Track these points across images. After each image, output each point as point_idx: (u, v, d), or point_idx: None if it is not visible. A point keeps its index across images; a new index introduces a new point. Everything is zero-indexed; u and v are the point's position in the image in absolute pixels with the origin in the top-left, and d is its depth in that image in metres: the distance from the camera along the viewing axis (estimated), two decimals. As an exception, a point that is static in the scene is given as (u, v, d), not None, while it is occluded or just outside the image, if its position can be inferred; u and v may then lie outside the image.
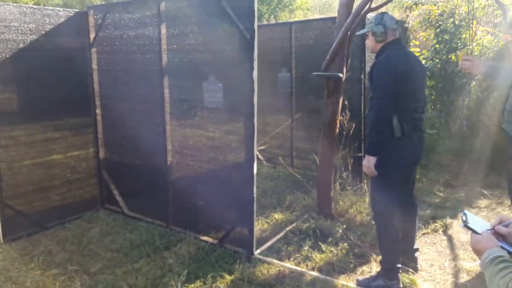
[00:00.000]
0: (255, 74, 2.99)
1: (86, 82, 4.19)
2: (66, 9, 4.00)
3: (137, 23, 3.78)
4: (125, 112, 4.06)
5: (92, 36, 4.10)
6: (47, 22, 3.79)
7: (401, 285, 2.88)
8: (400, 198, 2.95)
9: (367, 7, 3.51)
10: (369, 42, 3.03)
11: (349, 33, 3.61)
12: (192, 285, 2.95)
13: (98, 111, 4.27)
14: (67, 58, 3.98)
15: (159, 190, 3.91)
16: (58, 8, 3.92)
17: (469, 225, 1.51)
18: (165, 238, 3.64)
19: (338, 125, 3.98)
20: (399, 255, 2.96)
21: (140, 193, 4.14)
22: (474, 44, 5.65)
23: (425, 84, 3.02)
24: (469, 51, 2.74)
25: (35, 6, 3.79)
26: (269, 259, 3.28)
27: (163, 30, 3.57)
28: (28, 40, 3.66)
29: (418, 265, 3.20)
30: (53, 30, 3.83)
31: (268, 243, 3.56)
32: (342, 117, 4.11)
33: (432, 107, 6.64)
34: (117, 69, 4.02)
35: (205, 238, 3.60)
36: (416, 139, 2.89)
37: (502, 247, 1.40)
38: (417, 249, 3.22)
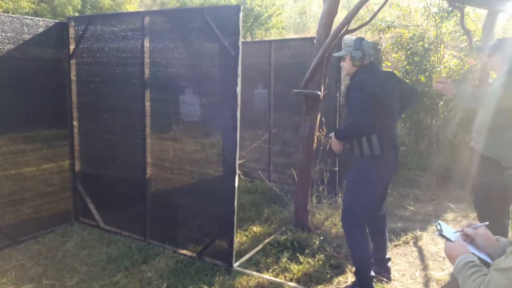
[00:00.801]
0: (238, 89, 3.07)
1: (64, 93, 4.14)
2: (46, 19, 3.97)
3: (119, 36, 3.79)
4: (104, 124, 4.05)
5: (72, 47, 4.08)
6: (25, 31, 3.74)
7: (376, 295, 2.98)
8: (373, 212, 3.11)
9: (344, 29, 3.68)
10: (346, 65, 3.15)
11: (327, 53, 3.77)
12: (172, 298, 2.95)
13: (75, 122, 4.22)
14: (45, 69, 3.94)
15: (137, 203, 3.88)
16: (37, 18, 3.88)
17: (443, 233, 1.64)
18: (143, 252, 3.61)
19: (316, 140, 4.10)
20: (371, 265, 3.05)
21: (117, 206, 4.10)
22: (442, 67, 5.95)
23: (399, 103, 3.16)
24: (442, 75, 3.02)
25: (14, 15, 3.74)
26: (248, 271, 3.32)
27: (146, 43, 3.61)
28: (5, 48, 3.60)
29: (391, 275, 3.32)
30: (31, 40, 3.78)
31: (247, 256, 3.60)
32: (319, 133, 4.24)
33: (402, 125, 6.91)
34: (97, 81, 4.01)
35: (184, 251, 3.60)
36: (393, 157, 3.03)
37: (473, 253, 1.54)
38: (389, 259, 3.34)
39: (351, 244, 3.07)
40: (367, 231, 3.09)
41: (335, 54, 3.41)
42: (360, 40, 3.07)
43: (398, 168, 3.20)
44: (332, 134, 3.14)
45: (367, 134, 2.91)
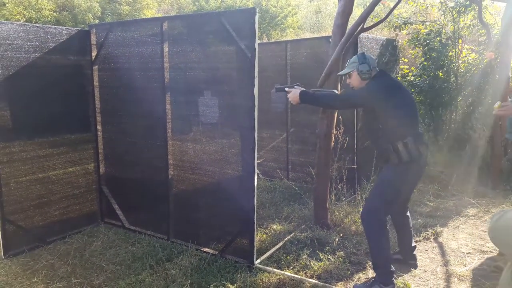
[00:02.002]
0: (255, 90, 3.14)
1: (87, 98, 4.29)
2: (69, 28, 4.11)
3: (139, 42, 3.91)
4: (127, 127, 4.17)
5: (94, 54, 4.22)
6: (50, 40, 3.89)
7: (397, 290, 3.00)
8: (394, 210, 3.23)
9: (360, 27, 3.71)
10: (353, 81, 3.22)
11: (343, 52, 3.80)
12: (196, 295, 3.04)
13: (99, 127, 4.36)
14: (69, 75, 4.08)
15: (160, 203, 3.99)
16: (61, 27, 4.03)
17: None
18: (167, 250, 3.72)
19: (333, 139, 4.14)
20: (391, 260, 3.09)
21: (141, 207, 4.22)
22: (460, 62, 5.90)
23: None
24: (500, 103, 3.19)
25: (38, 25, 3.89)
26: (269, 268, 3.38)
27: (166, 48, 3.71)
28: (31, 57, 3.75)
29: (417, 262, 3.43)
30: (55, 48, 3.93)
31: (268, 253, 3.67)
32: (336, 131, 4.27)
33: (421, 121, 6.86)
34: (119, 86, 4.14)
35: (206, 249, 3.69)
36: (422, 163, 3.07)
37: None
38: (415, 247, 3.46)
39: (371, 239, 3.10)
40: (393, 226, 3.15)
41: (341, 73, 3.44)
42: (363, 54, 3.16)
43: (424, 171, 3.24)
44: (298, 91, 3.29)
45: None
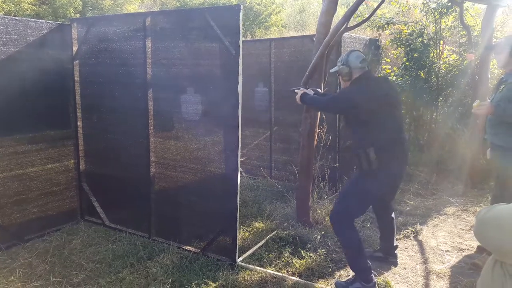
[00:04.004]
0: (239, 88, 3.13)
1: (67, 94, 4.21)
2: (49, 22, 4.02)
3: (121, 37, 3.85)
4: (108, 124, 4.11)
5: (75, 48, 4.14)
6: (29, 33, 3.80)
7: (377, 287, 3.04)
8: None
9: (344, 26, 3.73)
10: (340, 80, 3.27)
11: (327, 51, 3.82)
12: (177, 293, 3.02)
13: (79, 123, 4.28)
14: (48, 70, 3.99)
15: (141, 201, 3.95)
16: (41, 20, 3.94)
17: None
18: (148, 249, 3.68)
19: (316, 137, 4.16)
20: (366, 257, 3.07)
21: (122, 204, 4.17)
22: (441, 62, 5.99)
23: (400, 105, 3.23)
24: (479, 101, 3.23)
25: (17, 18, 3.80)
26: (251, 266, 3.38)
27: (148, 44, 3.67)
28: (10, 51, 3.66)
29: (397, 260, 3.48)
30: (35, 42, 3.84)
31: (250, 251, 3.67)
32: (320, 129, 4.30)
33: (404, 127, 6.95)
34: (100, 82, 4.07)
35: (188, 247, 3.67)
36: (395, 170, 3.01)
37: None
38: (396, 246, 3.51)
39: (342, 240, 3.11)
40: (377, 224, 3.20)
41: (331, 70, 3.43)
42: (347, 54, 3.13)
43: (403, 177, 3.23)
44: (301, 92, 3.38)
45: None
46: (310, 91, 3.45)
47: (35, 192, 3.98)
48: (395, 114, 3.05)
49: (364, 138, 2.98)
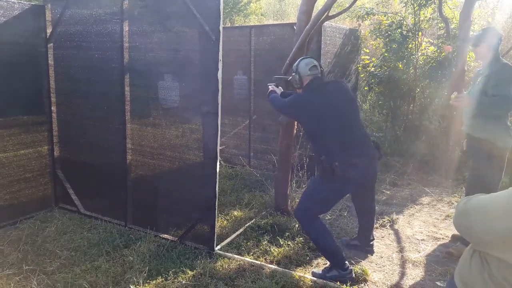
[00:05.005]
0: (219, 74, 3.08)
1: (41, 78, 4.08)
2: (21, 2, 3.86)
3: (97, 20, 3.74)
4: (83, 109, 4.00)
5: (49, 31, 4.00)
6: (0, 14, 3.66)
7: (354, 275, 3.08)
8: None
9: (325, 15, 3.71)
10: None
11: (307, 39, 3.80)
12: (154, 281, 2.98)
13: (53, 108, 4.16)
14: (21, 53, 3.86)
15: (117, 188, 3.88)
16: (12, 0, 3.78)
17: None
18: (124, 237, 3.63)
19: (295, 126, 4.16)
20: (338, 247, 3.12)
21: (97, 192, 4.09)
22: (419, 54, 6.06)
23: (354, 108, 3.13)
24: (456, 94, 3.26)
25: (-13, -3, 3.63)
26: (229, 254, 3.38)
27: (126, 27, 3.57)
28: (-21, 32, 3.52)
29: (373, 248, 3.53)
30: (6, 23, 3.69)
31: (228, 239, 3.66)
32: (299, 119, 4.29)
33: (379, 111, 7.03)
34: (75, 66, 3.95)
35: (166, 236, 3.64)
36: (357, 170, 2.93)
37: None
38: (373, 239, 3.56)
39: (310, 235, 3.14)
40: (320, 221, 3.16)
41: (289, 79, 3.43)
42: (298, 61, 3.19)
43: (367, 177, 3.13)
44: (271, 88, 3.48)
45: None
46: (279, 90, 3.50)
47: (7, 178, 3.86)
48: (345, 118, 3.00)
49: (317, 146, 3.07)
